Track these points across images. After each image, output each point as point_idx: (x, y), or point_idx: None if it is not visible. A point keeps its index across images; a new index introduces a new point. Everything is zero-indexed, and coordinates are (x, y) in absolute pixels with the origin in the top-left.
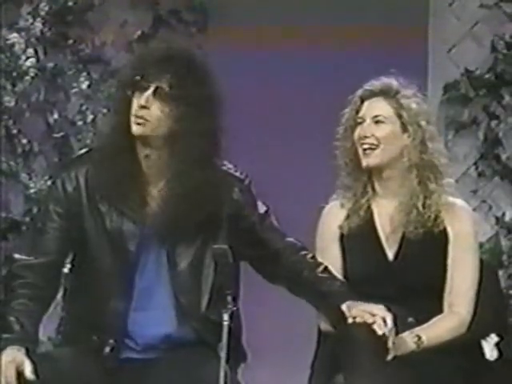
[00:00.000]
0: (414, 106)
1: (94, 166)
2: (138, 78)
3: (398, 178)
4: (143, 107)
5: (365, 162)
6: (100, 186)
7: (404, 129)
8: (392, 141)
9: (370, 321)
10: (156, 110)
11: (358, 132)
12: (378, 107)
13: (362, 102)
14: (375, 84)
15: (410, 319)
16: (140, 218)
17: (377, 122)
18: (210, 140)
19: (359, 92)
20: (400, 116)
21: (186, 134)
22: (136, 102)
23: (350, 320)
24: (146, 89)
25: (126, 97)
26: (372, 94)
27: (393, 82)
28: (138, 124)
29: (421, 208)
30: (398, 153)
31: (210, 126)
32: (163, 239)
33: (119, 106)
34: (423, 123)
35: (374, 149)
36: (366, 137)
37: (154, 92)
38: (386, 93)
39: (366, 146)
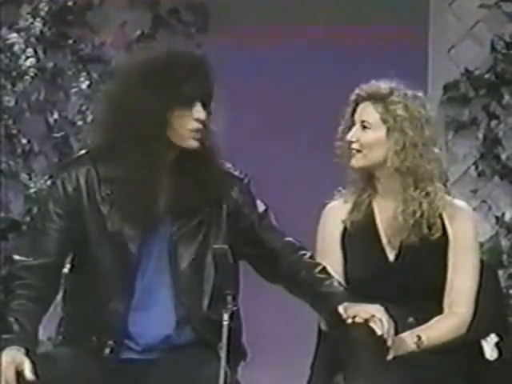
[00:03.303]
0: (400, 111)
1: (95, 168)
2: (182, 91)
3: (389, 181)
4: (202, 122)
5: (351, 163)
6: (101, 188)
7: (389, 134)
8: (375, 147)
9: (367, 317)
10: (206, 119)
11: (348, 135)
12: (366, 112)
13: (357, 104)
14: (364, 88)
15: (411, 319)
16: (141, 219)
17: (364, 128)
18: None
19: (352, 96)
20: (385, 121)
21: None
22: (191, 117)
23: (349, 321)
24: (192, 101)
25: (164, 109)
26: (362, 99)
27: (382, 86)
28: (195, 138)
29: (419, 210)
30: (382, 158)
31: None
32: (165, 239)
33: (157, 118)
34: (408, 129)
35: (358, 152)
36: (351, 141)
37: (203, 105)
38: (374, 97)
39: (352, 151)
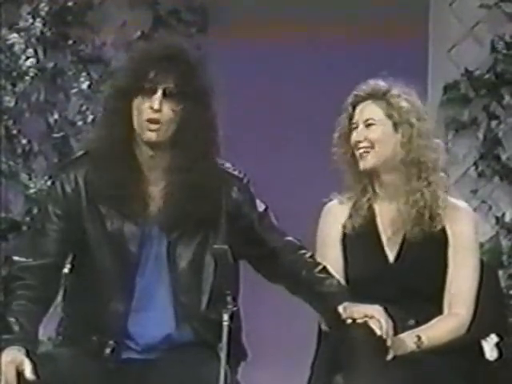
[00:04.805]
0: (403, 104)
1: (94, 169)
2: (143, 81)
3: (396, 179)
4: (157, 111)
5: (361, 165)
6: (101, 189)
7: (396, 128)
8: (385, 141)
9: (366, 317)
10: (168, 111)
11: (353, 137)
12: (368, 110)
13: (354, 107)
14: (363, 88)
15: (411, 321)
16: (141, 219)
17: (368, 126)
18: (211, 137)
19: (349, 99)
20: (390, 116)
21: (189, 133)
22: (146, 106)
23: (349, 321)
24: (154, 91)
25: (126, 100)
26: (361, 99)
27: (380, 84)
28: (151, 130)
29: (421, 210)
30: (392, 152)
31: (212, 121)
32: (164, 239)
33: (120, 109)
34: (414, 120)
35: (368, 151)
36: (359, 141)
37: (164, 93)
38: (375, 95)
39: (361, 151)
